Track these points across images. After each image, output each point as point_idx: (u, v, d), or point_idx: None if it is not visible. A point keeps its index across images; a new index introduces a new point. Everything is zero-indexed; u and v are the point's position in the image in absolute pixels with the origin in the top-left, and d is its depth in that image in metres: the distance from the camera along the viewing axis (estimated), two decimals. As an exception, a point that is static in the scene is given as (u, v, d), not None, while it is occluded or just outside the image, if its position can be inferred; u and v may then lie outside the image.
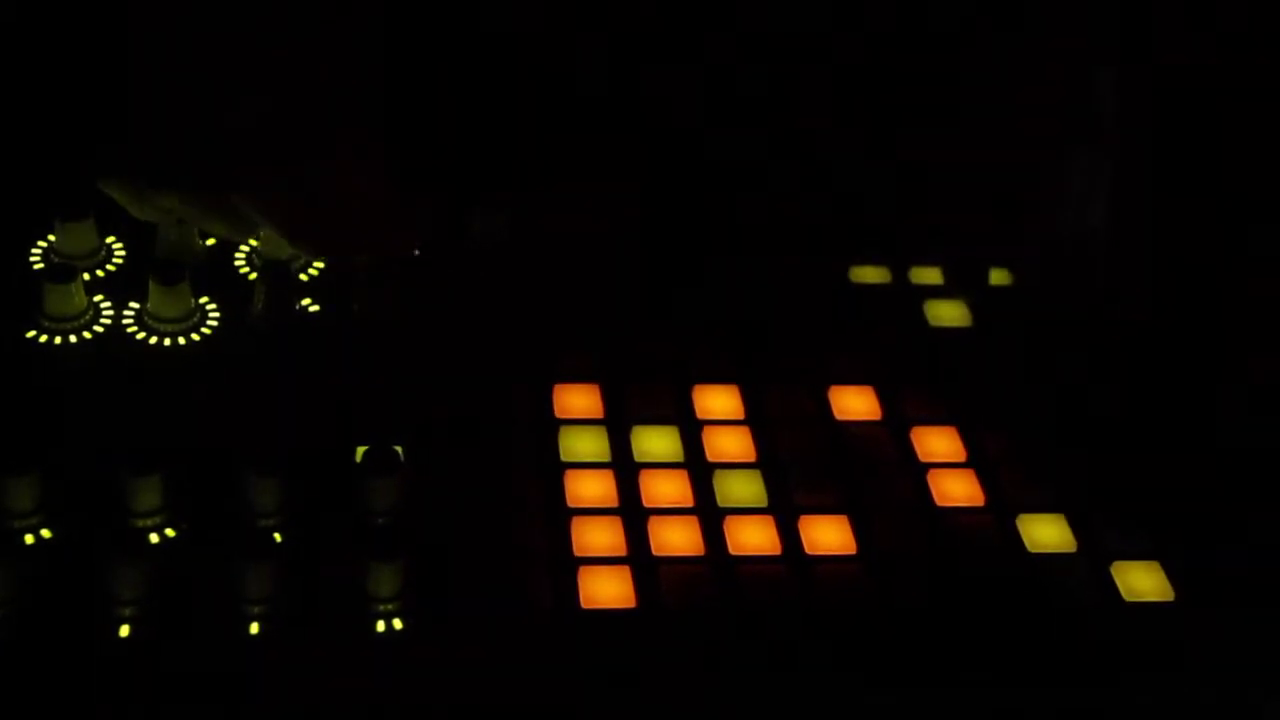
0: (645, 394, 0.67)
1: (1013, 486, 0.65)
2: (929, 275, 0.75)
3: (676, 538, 0.61)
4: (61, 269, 0.65)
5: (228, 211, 0.62)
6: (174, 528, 0.58)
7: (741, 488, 0.63)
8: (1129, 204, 0.79)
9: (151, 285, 0.65)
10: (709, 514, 0.62)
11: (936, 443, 0.66)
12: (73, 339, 0.64)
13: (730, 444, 0.65)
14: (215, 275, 0.68)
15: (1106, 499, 0.65)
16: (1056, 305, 0.74)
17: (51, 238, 0.68)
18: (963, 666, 0.58)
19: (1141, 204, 0.79)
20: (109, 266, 0.68)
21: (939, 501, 0.64)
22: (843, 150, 0.80)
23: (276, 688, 0.55)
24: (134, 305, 0.66)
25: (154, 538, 0.58)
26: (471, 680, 0.56)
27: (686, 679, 0.57)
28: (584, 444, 0.64)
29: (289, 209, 0.61)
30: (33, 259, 0.68)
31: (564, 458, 0.63)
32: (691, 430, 0.65)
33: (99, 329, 0.65)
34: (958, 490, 0.65)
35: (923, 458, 0.66)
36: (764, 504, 0.63)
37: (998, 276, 0.75)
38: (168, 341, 0.65)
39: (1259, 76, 0.79)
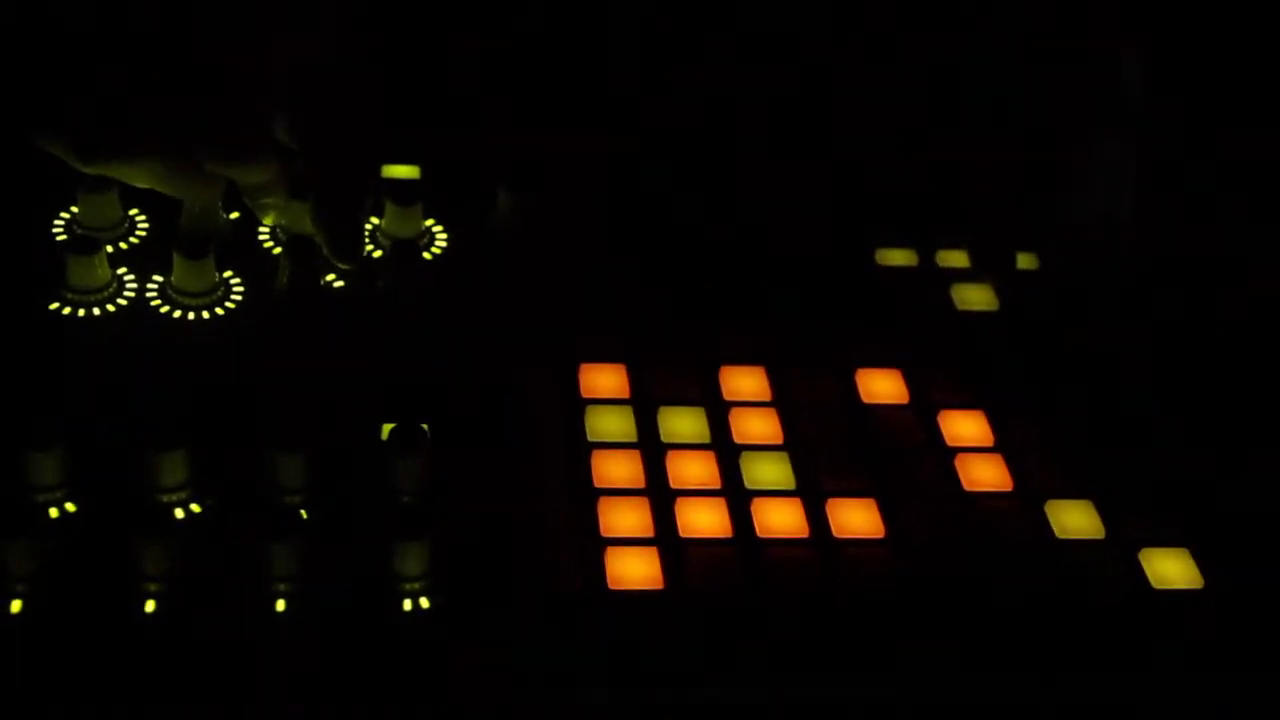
0: (672, 375, 0.66)
1: (1041, 472, 0.65)
2: (956, 259, 0.74)
3: (703, 519, 0.61)
4: (85, 241, 0.65)
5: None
6: (199, 503, 0.58)
7: (769, 470, 0.63)
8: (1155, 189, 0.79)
9: (176, 258, 0.64)
10: (736, 496, 0.62)
11: (964, 427, 0.66)
12: (96, 312, 0.64)
13: (757, 426, 0.65)
14: (240, 249, 0.67)
15: (1135, 485, 0.64)
16: (1083, 289, 0.73)
17: (74, 209, 0.67)
18: (990, 651, 0.58)
19: (1167, 189, 0.79)
20: (132, 239, 0.67)
21: (967, 486, 0.64)
22: (872, 135, 0.80)
23: (301, 664, 0.54)
24: (157, 278, 0.65)
25: (179, 513, 0.58)
26: (497, 659, 0.55)
27: (713, 660, 0.56)
28: (611, 424, 0.64)
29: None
30: (56, 231, 0.67)
31: (591, 438, 0.63)
32: (718, 411, 0.65)
33: (122, 302, 0.64)
34: (986, 475, 0.64)
35: (950, 442, 0.65)
36: (791, 486, 0.62)
37: (1025, 260, 0.75)
38: (191, 315, 0.64)
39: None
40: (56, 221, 0.67)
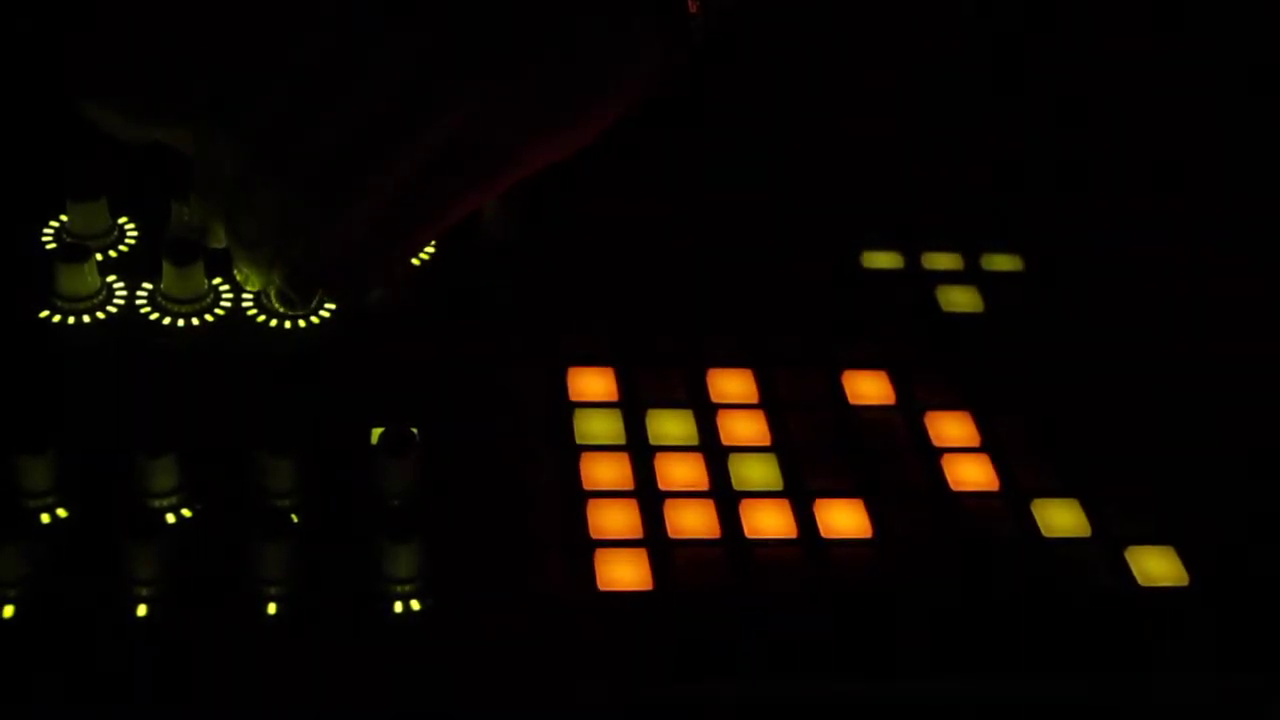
0: (660, 377, 0.66)
1: (1027, 471, 0.65)
2: (941, 261, 0.74)
3: (692, 520, 0.61)
4: (74, 249, 0.65)
5: None
6: (190, 508, 0.58)
7: (756, 471, 0.63)
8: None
9: (165, 266, 0.65)
10: (724, 497, 0.62)
11: (950, 427, 0.66)
12: (86, 319, 0.64)
13: (745, 428, 0.65)
14: (229, 257, 0.67)
15: (1121, 484, 0.65)
16: (1068, 289, 0.74)
17: (64, 218, 0.68)
18: (977, 651, 0.58)
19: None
20: (122, 247, 0.68)
21: (953, 486, 0.64)
22: (855, 136, 0.80)
23: (292, 668, 0.54)
24: (147, 286, 0.66)
25: (170, 518, 0.58)
26: (487, 661, 0.55)
27: (702, 661, 0.57)
28: (599, 427, 0.64)
29: None
30: (45, 239, 0.67)
31: (579, 440, 0.63)
32: (706, 414, 0.65)
33: (112, 309, 0.65)
34: (972, 475, 0.65)
35: (937, 442, 0.66)
36: (779, 487, 0.63)
37: (1010, 262, 0.75)
38: (181, 322, 0.65)
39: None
40: (46, 230, 0.68)
